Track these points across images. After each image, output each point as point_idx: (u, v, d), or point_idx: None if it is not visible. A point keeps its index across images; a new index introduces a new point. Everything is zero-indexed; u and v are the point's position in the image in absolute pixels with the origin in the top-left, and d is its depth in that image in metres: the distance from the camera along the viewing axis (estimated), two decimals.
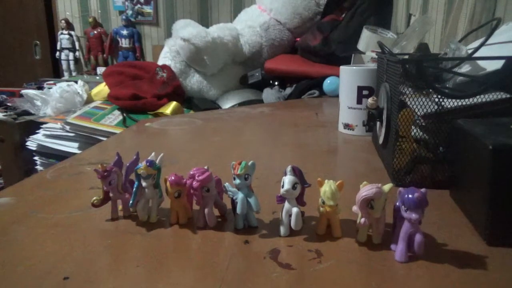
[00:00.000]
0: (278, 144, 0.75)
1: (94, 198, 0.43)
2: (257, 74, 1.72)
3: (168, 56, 1.73)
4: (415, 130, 0.52)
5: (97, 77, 2.35)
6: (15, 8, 3.50)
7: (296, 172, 0.37)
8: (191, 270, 0.33)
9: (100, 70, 2.92)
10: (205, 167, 0.40)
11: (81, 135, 1.30)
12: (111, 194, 0.42)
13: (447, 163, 0.49)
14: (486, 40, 0.55)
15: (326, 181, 0.37)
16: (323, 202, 0.37)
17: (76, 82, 1.63)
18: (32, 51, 3.52)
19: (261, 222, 0.42)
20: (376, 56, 0.73)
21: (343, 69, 0.81)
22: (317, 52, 1.58)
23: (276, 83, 1.65)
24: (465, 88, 0.54)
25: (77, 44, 3.23)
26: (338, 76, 0.90)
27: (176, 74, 1.68)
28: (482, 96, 0.50)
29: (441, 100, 0.50)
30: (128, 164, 0.43)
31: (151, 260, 0.35)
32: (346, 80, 0.80)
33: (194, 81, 1.73)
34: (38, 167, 1.40)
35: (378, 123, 0.64)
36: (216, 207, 0.42)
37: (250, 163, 0.38)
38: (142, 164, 0.40)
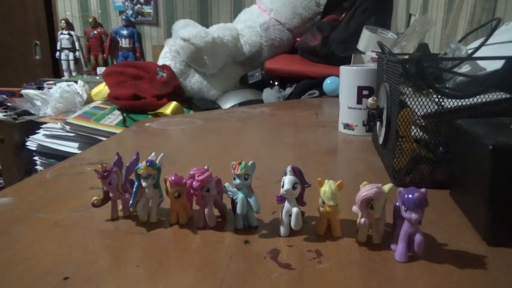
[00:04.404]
0: (278, 144, 0.75)
1: (94, 198, 0.43)
2: (257, 74, 1.72)
3: (168, 56, 1.73)
4: (415, 130, 0.52)
5: (97, 77, 2.35)
6: (15, 8, 3.50)
7: (296, 172, 0.37)
8: (191, 270, 0.33)
9: (100, 70, 2.92)
10: (205, 167, 0.40)
11: (81, 135, 1.30)
12: (111, 194, 0.42)
13: (447, 163, 0.49)
14: (486, 40, 0.55)
15: (326, 181, 0.37)
16: (323, 202, 0.37)
17: (76, 82, 1.63)
18: (32, 51, 3.52)
19: (261, 222, 0.42)
20: (376, 56, 0.73)
21: (343, 69, 0.81)
22: (317, 52, 1.58)
23: (276, 83, 1.65)
24: (465, 88, 0.54)
25: (77, 44, 3.23)
26: (338, 76, 0.90)
27: (176, 74, 1.68)
28: (482, 96, 0.50)
29: (441, 100, 0.50)
30: (128, 164, 0.43)
31: (151, 260, 0.35)
32: (346, 80, 0.80)
33: (194, 81, 1.73)
34: (38, 167, 1.40)
35: (378, 123, 0.64)
36: (216, 207, 0.42)
37: (250, 163, 0.38)
38: (142, 164, 0.40)
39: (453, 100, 0.50)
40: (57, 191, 0.52)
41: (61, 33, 3.19)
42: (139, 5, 3.14)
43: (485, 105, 0.50)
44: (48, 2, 3.41)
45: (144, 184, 0.40)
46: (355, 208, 0.38)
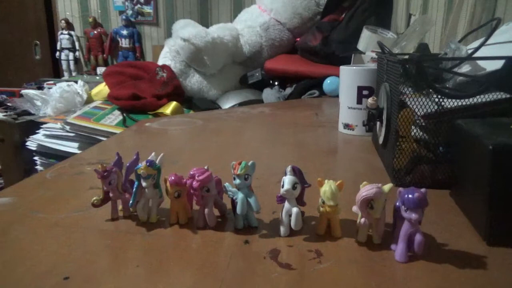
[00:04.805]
0: (278, 144, 0.75)
1: (94, 198, 0.43)
2: (257, 74, 1.72)
3: (168, 56, 1.73)
4: (415, 130, 0.52)
5: (97, 77, 2.35)
6: (15, 8, 3.50)
7: (296, 172, 0.37)
8: (191, 270, 0.33)
9: (100, 70, 2.92)
10: (205, 167, 0.40)
11: (81, 135, 1.30)
12: (111, 194, 0.42)
13: (447, 163, 0.49)
14: (486, 40, 0.55)
15: (326, 181, 0.37)
16: (323, 202, 0.37)
17: (76, 82, 1.63)
18: (32, 51, 3.52)
19: (261, 222, 0.42)
20: (376, 56, 0.73)
21: (343, 69, 0.81)
22: (317, 52, 1.58)
23: (276, 83, 1.65)
24: (465, 88, 0.54)
25: (77, 44, 3.23)
26: (338, 76, 0.90)
27: (176, 74, 1.68)
28: (482, 96, 0.50)
29: (441, 100, 0.50)
30: (128, 164, 0.43)
31: (151, 260, 0.35)
32: (346, 80, 0.80)
33: (194, 81, 1.73)
34: (38, 167, 1.40)
35: (378, 123, 0.64)
36: (216, 207, 0.42)
37: (250, 163, 0.38)
38: (142, 164, 0.40)
39: (453, 100, 0.50)
40: (57, 191, 0.52)
41: (61, 33, 3.20)
42: (139, 5, 3.14)
43: (485, 105, 0.50)
44: (48, 2, 3.41)
45: (144, 184, 0.40)
46: (355, 208, 0.38)
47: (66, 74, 3.22)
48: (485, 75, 0.53)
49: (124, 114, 1.43)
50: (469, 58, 0.55)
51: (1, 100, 1.67)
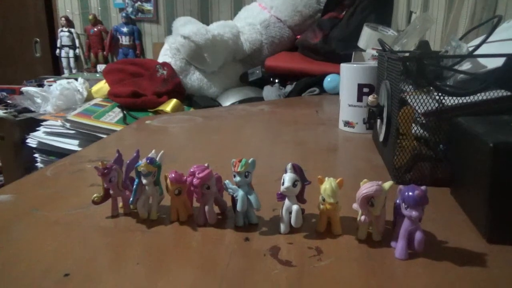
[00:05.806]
0: (278, 142, 0.75)
1: (95, 195, 0.43)
2: (257, 71, 1.72)
3: (168, 54, 1.73)
4: (415, 128, 0.52)
5: (97, 75, 2.35)
6: (15, 5, 3.50)
7: (297, 169, 0.37)
8: (191, 268, 0.33)
9: (100, 67, 2.91)
10: (206, 165, 0.40)
11: (81, 132, 1.30)
12: (111, 192, 0.42)
13: (448, 161, 0.49)
14: (487, 37, 0.55)
15: (326, 178, 0.37)
16: (323, 200, 0.37)
17: (76, 79, 1.63)
18: (32, 48, 3.51)
19: (261, 220, 0.42)
20: (377, 54, 0.73)
21: (343, 66, 0.81)
22: (317, 49, 1.58)
23: (276, 80, 1.65)
24: (466, 86, 0.54)
25: (77, 41, 3.23)
26: (338, 73, 0.90)
27: (176, 72, 1.68)
28: (482, 94, 0.50)
29: (441, 97, 0.50)
30: (128, 162, 0.43)
31: (151, 258, 0.35)
32: (347, 78, 0.80)
33: (194, 79, 1.73)
34: (38, 165, 1.40)
35: (378, 120, 0.64)
36: (216, 205, 0.42)
37: (250, 160, 0.38)
38: (142, 162, 0.40)
39: (454, 98, 0.50)
40: (57, 188, 0.52)
41: (61, 31, 3.19)
42: (139, 2, 3.13)
43: (486, 103, 0.50)
44: (48, 0, 3.41)
45: (144, 181, 0.40)
46: (355, 206, 0.38)
47: (66, 71, 3.22)
48: (486, 73, 0.53)
49: (124, 112, 1.43)
50: (470, 55, 0.55)
51: (1, 97, 1.67)
